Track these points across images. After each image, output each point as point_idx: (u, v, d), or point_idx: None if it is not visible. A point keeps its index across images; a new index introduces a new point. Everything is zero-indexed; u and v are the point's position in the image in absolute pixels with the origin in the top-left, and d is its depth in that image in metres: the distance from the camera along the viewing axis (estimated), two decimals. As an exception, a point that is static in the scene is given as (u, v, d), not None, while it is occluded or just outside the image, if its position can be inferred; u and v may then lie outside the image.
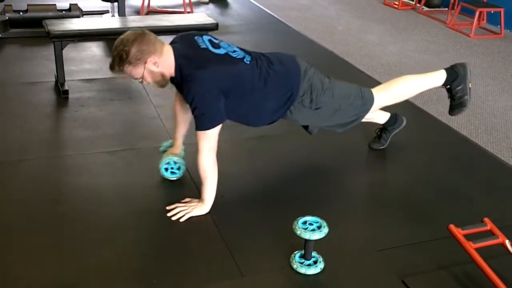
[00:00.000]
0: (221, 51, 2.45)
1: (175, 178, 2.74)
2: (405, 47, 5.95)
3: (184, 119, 2.72)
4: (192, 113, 2.39)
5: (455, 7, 7.07)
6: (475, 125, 4.05)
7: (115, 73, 2.37)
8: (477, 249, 2.11)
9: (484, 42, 6.32)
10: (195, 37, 2.47)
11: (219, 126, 2.40)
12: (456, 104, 2.89)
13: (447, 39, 6.36)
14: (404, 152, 3.22)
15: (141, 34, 2.34)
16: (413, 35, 6.46)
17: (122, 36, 2.33)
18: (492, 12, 6.81)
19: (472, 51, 5.96)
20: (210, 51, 2.42)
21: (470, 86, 2.86)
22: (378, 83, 4.42)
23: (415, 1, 7.80)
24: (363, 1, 8.11)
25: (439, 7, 7.62)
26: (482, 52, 5.94)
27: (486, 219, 2.27)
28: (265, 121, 2.67)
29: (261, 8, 6.89)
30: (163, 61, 2.36)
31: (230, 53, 2.48)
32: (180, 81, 2.40)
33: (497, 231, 2.22)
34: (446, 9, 7.41)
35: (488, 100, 4.55)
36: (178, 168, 2.74)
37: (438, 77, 2.87)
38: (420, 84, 2.89)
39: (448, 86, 2.86)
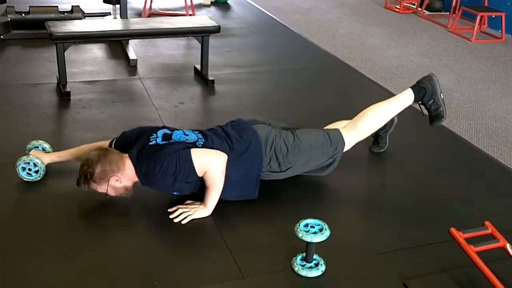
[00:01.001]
0: (171, 142, 2.51)
1: (29, 180, 2.70)
2: (406, 51, 5.96)
3: (83, 155, 2.66)
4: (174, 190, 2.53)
5: (456, 11, 7.09)
6: (476, 129, 4.05)
7: (81, 188, 2.47)
8: (478, 253, 2.11)
9: (485, 46, 6.33)
10: (150, 137, 2.55)
11: (194, 149, 2.44)
12: (434, 116, 2.90)
13: (448, 43, 6.37)
14: (405, 156, 3.22)
15: (104, 154, 2.45)
16: (414, 39, 6.47)
17: (87, 156, 2.46)
18: (493, 16, 6.83)
19: (473, 55, 5.97)
20: (160, 145, 2.49)
21: (442, 97, 2.85)
22: (380, 87, 4.44)
23: (417, 5, 7.81)
24: (365, 5, 8.13)
25: (440, 11, 7.64)
26: (483, 56, 5.95)
27: (487, 223, 2.27)
28: (236, 195, 2.60)
29: (263, 11, 6.90)
30: (125, 175, 2.46)
31: (181, 141, 2.52)
32: (145, 182, 2.48)
33: (498, 234, 2.22)
34: (447, 13, 7.42)
35: (489, 104, 4.56)
36: (36, 172, 2.70)
37: (406, 98, 2.85)
38: (388, 111, 2.86)
39: (420, 102, 2.87)
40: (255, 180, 2.61)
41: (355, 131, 2.79)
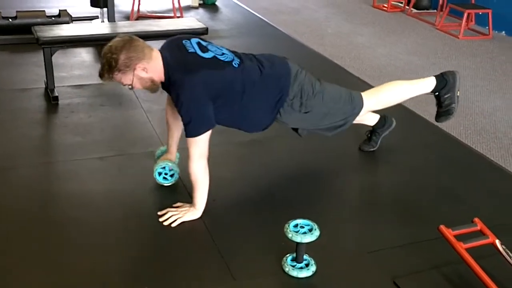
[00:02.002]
0: (209, 55, 2.45)
1: (166, 184, 2.74)
2: (394, 49, 5.98)
3: (177, 124, 2.70)
4: (182, 120, 2.40)
5: (444, 9, 7.12)
6: (465, 126, 4.07)
7: (104, 81, 2.37)
8: (467, 249, 2.12)
9: (473, 43, 6.37)
10: (183, 41, 2.46)
11: (209, 132, 2.40)
12: (443, 111, 2.92)
13: (436, 41, 6.40)
14: (394, 154, 3.24)
15: (129, 40, 2.34)
16: (402, 37, 6.50)
17: (110, 43, 2.33)
18: (480, 13, 6.87)
19: (461, 52, 6.00)
20: (198, 55, 2.41)
21: (458, 94, 2.88)
22: (369, 86, 4.45)
23: (404, 4, 7.84)
24: (353, 4, 8.15)
25: (427, 9, 7.68)
26: (470, 53, 5.99)
27: (476, 219, 2.29)
28: (256, 124, 2.66)
29: (251, 12, 6.90)
30: (152, 66, 2.36)
31: (218, 56, 2.47)
32: (169, 86, 2.40)
33: (487, 231, 2.23)
34: (435, 11, 7.46)
35: (477, 101, 4.59)
36: (172, 175, 2.73)
37: (428, 84, 2.89)
38: (409, 90, 2.91)
39: (437, 93, 2.89)
40: (275, 108, 2.59)
41: (375, 98, 2.84)
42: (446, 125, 3.97)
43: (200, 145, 2.39)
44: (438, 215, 2.61)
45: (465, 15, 6.51)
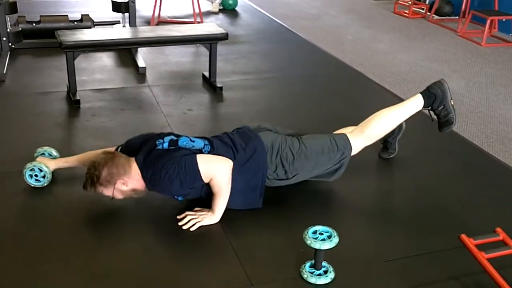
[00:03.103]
0: (177, 148, 2.53)
1: (37, 186, 2.73)
2: (415, 56, 5.94)
3: (89, 161, 2.66)
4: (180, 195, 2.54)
5: (466, 15, 7.06)
6: (487, 134, 4.02)
7: (88, 192, 2.50)
8: (489, 260, 2.09)
9: (496, 50, 6.29)
10: (157, 141, 2.56)
11: (200, 155, 2.46)
12: (443, 122, 2.87)
13: (457, 48, 6.34)
14: (414, 161, 3.21)
15: (111, 158, 2.47)
16: (423, 44, 6.45)
17: (94, 159, 2.48)
18: (504, 20, 6.79)
19: (483, 59, 5.94)
20: (165, 149, 2.52)
21: (452, 103, 2.83)
22: (389, 93, 4.43)
23: (426, 10, 7.79)
24: (373, 10, 8.12)
25: (449, 16, 7.61)
26: (493, 60, 5.92)
27: (498, 229, 2.25)
28: (240, 203, 2.60)
29: (271, 18, 6.91)
30: (131, 179, 2.47)
31: (187, 148, 2.53)
32: (152, 187, 2.50)
33: (509, 241, 2.20)
34: (457, 17, 7.39)
35: (500, 109, 4.53)
36: (43, 177, 2.72)
37: (415, 104, 2.83)
38: (397, 116, 2.84)
39: (430, 108, 2.85)
40: (259, 189, 2.61)
41: (362, 136, 2.77)
42: (467, 133, 3.93)
43: (211, 167, 2.44)
44: (458, 224, 2.58)
45: (488, 21, 6.44)
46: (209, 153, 2.54)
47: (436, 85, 2.83)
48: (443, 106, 2.82)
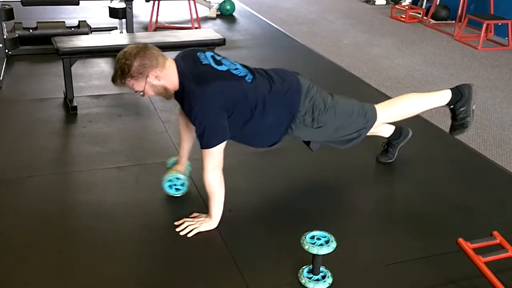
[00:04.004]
0: (223, 68, 2.45)
1: (180, 194, 2.75)
2: (412, 60, 5.95)
3: (188, 135, 2.72)
4: (195, 131, 2.39)
5: (462, 20, 7.08)
6: (484, 138, 4.03)
7: (117, 85, 2.38)
8: (486, 263, 2.10)
9: (492, 54, 6.31)
10: (198, 53, 2.47)
11: (224, 143, 2.40)
12: (458, 124, 2.89)
13: (454, 52, 6.35)
14: (411, 166, 3.21)
15: (143, 48, 2.35)
16: (420, 48, 6.47)
17: (125, 49, 2.35)
18: (500, 24, 6.81)
19: (480, 63, 5.95)
20: (212, 67, 2.42)
21: (473, 107, 2.85)
22: (386, 97, 4.43)
23: (422, 14, 7.81)
24: (370, 15, 8.14)
25: (446, 20, 7.63)
26: (489, 64, 5.93)
27: (495, 233, 2.26)
28: (264, 140, 2.64)
29: (268, 23, 6.93)
30: (165, 75, 2.36)
31: (232, 70, 2.47)
32: (182, 97, 2.40)
33: (507, 244, 2.20)
34: (453, 21, 7.42)
35: (496, 113, 4.54)
36: (182, 184, 2.73)
37: (443, 97, 2.86)
38: (424, 103, 2.88)
39: (452, 106, 2.87)
40: (286, 126, 2.59)
41: (389, 110, 2.82)
42: (464, 137, 3.93)
43: (214, 157, 2.38)
44: (455, 228, 2.58)
45: (484, 26, 6.46)
46: (251, 82, 2.47)
47: (466, 86, 2.87)
48: (465, 108, 2.84)
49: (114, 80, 2.37)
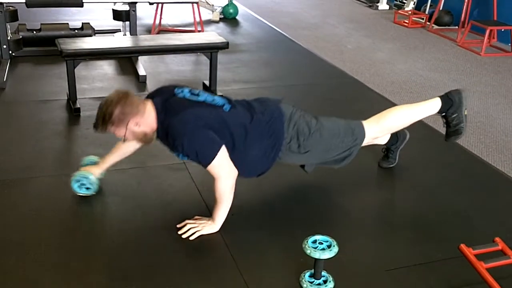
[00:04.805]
0: (199, 99, 2.49)
1: (89, 194, 2.73)
2: (415, 65, 5.96)
3: (122, 152, 2.73)
4: (191, 159, 2.42)
5: (465, 25, 7.08)
6: (486, 144, 4.03)
7: (98, 132, 2.44)
8: (488, 269, 2.09)
9: (495, 60, 6.31)
10: (175, 89, 2.51)
11: (223, 150, 2.40)
12: (452, 131, 2.89)
13: (457, 57, 6.36)
14: (413, 171, 3.21)
15: (124, 96, 2.40)
16: (423, 53, 6.47)
17: (106, 97, 2.41)
18: (503, 30, 6.81)
19: (483, 69, 5.95)
20: (188, 99, 2.46)
21: (466, 113, 2.85)
22: (389, 101, 4.44)
23: (425, 20, 7.82)
24: (373, 20, 8.15)
25: (449, 25, 7.64)
26: (492, 70, 5.93)
27: (497, 239, 2.25)
28: (252, 170, 2.62)
29: (271, 27, 6.94)
30: (144, 121, 2.41)
31: (208, 101, 2.50)
32: (163, 134, 2.43)
33: (508, 251, 2.20)
34: (456, 27, 7.42)
35: (499, 119, 4.53)
36: (91, 183, 2.71)
37: (433, 105, 2.85)
38: (413, 114, 2.86)
39: (444, 114, 2.86)
40: (273, 156, 2.59)
41: (376, 126, 2.79)
42: (467, 143, 3.93)
43: (220, 165, 2.40)
44: (456, 234, 2.58)
45: (487, 31, 6.46)
46: (230, 111, 2.48)
47: (455, 92, 2.86)
48: (456, 114, 2.83)
49: (96, 126, 2.42)
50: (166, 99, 2.44)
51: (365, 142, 2.79)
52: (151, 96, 2.51)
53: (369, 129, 2.77)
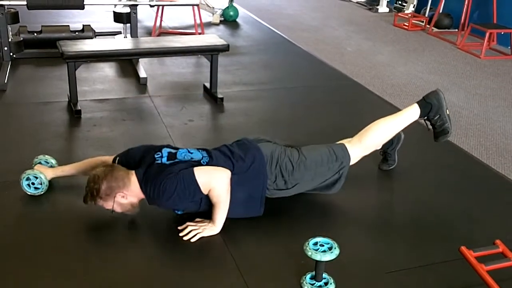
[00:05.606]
0: (177, 158, 2.55)
1: (38, 193, 2.74)
2: (414, 68, 5.97)
3: (85, 169, 2.76)
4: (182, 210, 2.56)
5: (465, 28, 7.10)
6: (486, 147, 4.04)
7: (87, 204, 2.50)
8: (489, 272, 2.10)
9: (494, 63, 6.33)
10: (155, 154, 2.57)
11: (199, 157, 2.53)
12: (439, 132, 2.90)
13: (457, 60, 6.37)
14: (413, 173, 3.22)
15: (111, 170, 2.48)
16: (423, 56, 6.48)
17: (94, 172, 2.48)
18: (502, 33, 6.83)
19: (482, 72, 5.97)
20: (165, 164, 2.51)
21: (448, 112, 2.85)
22: (389, 104, 4.45)
23: (425, 22, 7.83)
24: (373, 23, 8.17)
25: (449, 28, 7.66)
26: (492, 73, 5.95)
27: (498, 241, 2.26)
28: (243, 214, 2.62)
29: (271, 29, 6.95)
30: (131, 192, 2.48)
31: (185, 159, 2.55)
32: (149, 200, 2.51)
33: (509, 253, 2.20)
34: (456, 30, 7.43)
35: (499, 121, 4.55)
36: (41, 183, 2.72)
37: (412, 113, 2.85)
38: (394, 126, 2.86)
39: (426, 118, 2.87)
40: (259, 198, 2.62)
41: (360, 145, 2.79)
42: (467, 145, 3.94)
43: (208, 172, 2.47)
44: (458, 236, 2.58)
45: (487, 34, 6.48)
46: (207, 164, 2.54)
47: (432, 95, 2.86)
48: (439, 115, 2.84)
49: (85, 201, 2.49)
50: (145, 170, 2.51)
51: (354, 161, 2.79)
52: (135, 164, 2.57)
53: (353, 149, 2.77)
